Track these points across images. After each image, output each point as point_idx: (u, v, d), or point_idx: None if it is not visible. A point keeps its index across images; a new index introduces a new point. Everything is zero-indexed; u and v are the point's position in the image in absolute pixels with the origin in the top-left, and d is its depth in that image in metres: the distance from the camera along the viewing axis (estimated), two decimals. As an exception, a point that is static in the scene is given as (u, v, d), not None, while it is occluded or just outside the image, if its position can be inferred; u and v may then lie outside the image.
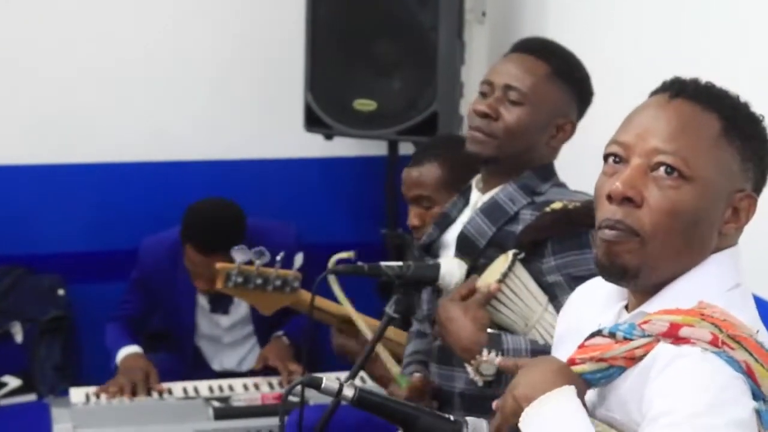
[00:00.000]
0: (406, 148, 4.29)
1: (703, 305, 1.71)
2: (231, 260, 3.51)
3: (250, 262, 3.12)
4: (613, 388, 1.76)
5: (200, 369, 4.14)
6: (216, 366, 4.23)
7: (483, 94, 2.66)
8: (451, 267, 2.54)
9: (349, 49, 4.20)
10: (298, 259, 3.19)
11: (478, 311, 2.44)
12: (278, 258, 3.14)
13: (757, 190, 1.81)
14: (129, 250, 4.49)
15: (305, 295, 3.26)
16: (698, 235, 1.75)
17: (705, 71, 2.76)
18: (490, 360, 2.38)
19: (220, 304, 4.12)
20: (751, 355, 1.66)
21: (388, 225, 4.33)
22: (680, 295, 1.76)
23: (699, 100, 1.77)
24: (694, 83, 1.81)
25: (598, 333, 1.76)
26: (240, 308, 4.11)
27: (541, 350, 2.40)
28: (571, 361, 1.77)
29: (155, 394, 3.67)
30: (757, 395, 1.65)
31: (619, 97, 3.40)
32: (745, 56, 2.89)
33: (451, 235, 2.71)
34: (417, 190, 3.06)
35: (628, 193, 1.72)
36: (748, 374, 1.65)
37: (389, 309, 2.54)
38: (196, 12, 4.63)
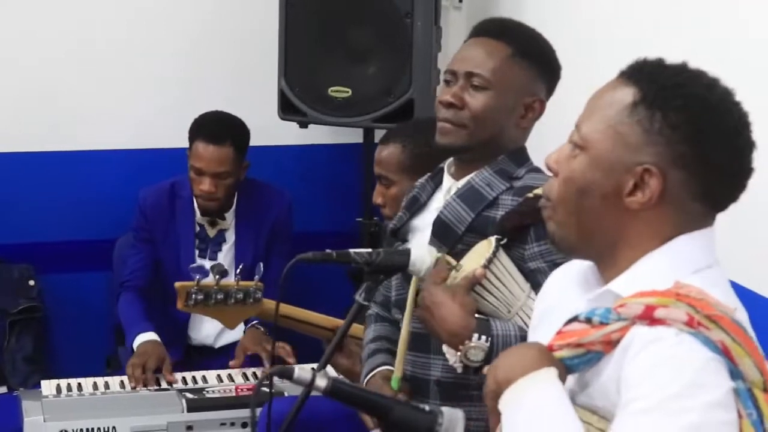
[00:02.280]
0: (381, 136, 4.25)
1: (679, 285, 1.69)
2: (239, 159, 3.90)
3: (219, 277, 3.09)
4: (593, 375, 1.74)
5: (177, 339, 4.10)
6: (193, 334, 4.19)
7: (447, 83, 2.64)
8: (421, 253, 2.51)
9: (324, 36, 4.16)
10: (259, 269, 3.16)
11: (466, 296, 2.40)
12: (237, 271, 3.12)
13: (676, 170, 1.74)
14: (103, 240, 4.47)
15: (269, 304, 3.24)
16: (595, 208, 1.78)
17: (679, 48, 2.73)
18: (480, 345, 2.34)
19: (208, 243, 4.12)
20: (728, 334, 1.65)
21: (364, 213, 4.29)
22: (647, 273, 1.75)
23: (628, 76, 1.80)
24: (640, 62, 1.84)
25: (574, 319, 1.75)
26: (227, 257, 4.10)
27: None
28: (549, 348, 1.76)
29: (128, 386, 3.62)
30: (735, 374, 1.64)
31: (597, 79, 3.39)
32: (718, 30, 2.86)
33: (422, 220, 2.69)
34: (378, 169, 3.17)
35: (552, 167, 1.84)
36: (725, 354, 1.63)
37: (359, 297, 2.50)
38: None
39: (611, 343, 1.69)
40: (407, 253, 2.51)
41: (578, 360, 1.73)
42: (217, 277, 3.11)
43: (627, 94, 1.76)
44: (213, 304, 3.13)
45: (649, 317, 1.66)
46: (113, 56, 4.55)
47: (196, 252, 4.15)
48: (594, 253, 1.83)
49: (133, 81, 4.58)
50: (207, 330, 4.19)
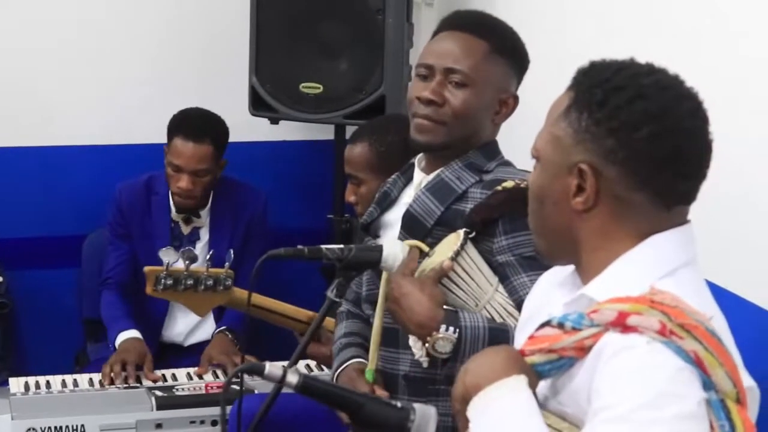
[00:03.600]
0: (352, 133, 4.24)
1: (654, 291, 1.67)
2: (217, 157, 3.91)
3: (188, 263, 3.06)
4: (565, 381, 1.73)
5: (152, 336, 4.06)
6: (166, 331, 4.17)
7: (422, 77, 2.60)
8: (393, 249, 2.50)
9: (295, 32, 4.14)
10: (229, 255, 3.13)
11: (434, 288, 2.39)
12: (207, 257, 3.10)
13: (612, 165, 1.74)
14: (72, 236, 4.44)
15: (239, 293, 3.22)
16: (552, 211, 1.81)
17: (645, 46, 2.74)
18: (448, 336, 2.32)
19: (182, 240, 4.10)
20: (701, 344, 1.62)
21: (336, 209, 4.28)
22: (621, 277, 1.74)
23: (577, 85, 1.82)
24: (590, 67, 1.84)
25: (547, 323, 1.73)
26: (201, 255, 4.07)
27: (499, 328, 2.35)
28: (521, 353, 1.74)
29: (96, 384, 3.59)
30: (707, 385, 1.62)
31: (567, 74, 3.39)
32: (691, 24, 2.86)
33: (393, 215, 2.68)
34: (348, 168, 3.17)
35: None
36: (698, 364, 1.61)
37: (331, 293, 2.48)
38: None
39: (584, 349, 1.68)
40: (379, 249, 2.50)
41: (550, 366, 1.71)
42: (187, 262, 3.08)
43: (565, 99, 1.79)
44: (182, 290, 3.10)
45: (621, 324, 1.64)
46: (85, 53, 4.52)
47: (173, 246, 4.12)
48: (567, 259, 1.84)
49: (104, 77, 4.55)
50: (179, 328, 4.18)
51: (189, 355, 4.08)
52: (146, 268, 3.12)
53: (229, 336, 3.92)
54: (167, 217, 4.12)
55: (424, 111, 2.58)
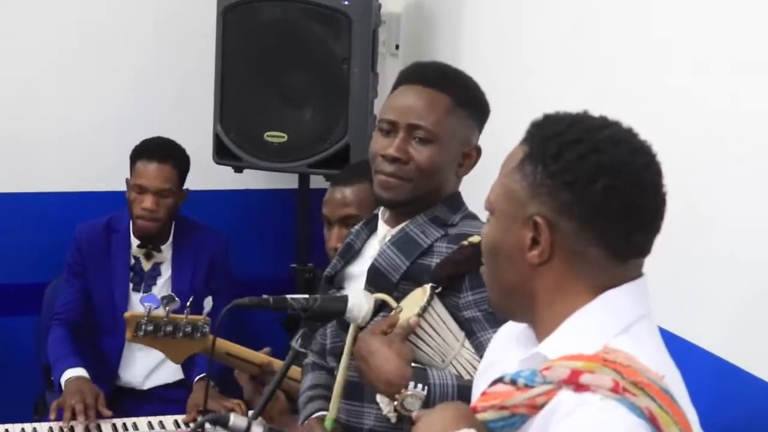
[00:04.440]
0: (317, 182, 4.25)
1: (608, 350, 1.66)
2: (179, 181, 3.98)
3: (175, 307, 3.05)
4: None
5: (106, 378, 4.03)
6: (123, 373, 4.14)
7: (385, 133, 2.59)
8: (358, 300, 2.48)
9: (260, 81, 4.15)
10: (207, 303, 3.11)
11: (401, 345, 2.38)
12: (188, 304, 3.08)
13: (567, 218, 1.73)
14: (33, 284, 4.42)
15: (217, 342, 3.19)
16: (508, 268, 1.79)
17: (611, 97, 2.76)
18: (417, 394, 2.31)
19: (143, 277, 4.10)
20: (654, 401, 1.62)
21: (299, 259, 4.27)
22: (574, 334, 1.72)
23: (530, 138, 1.82)
24: (544, 120, 1.84)
25: (500, 380, 1.72)
26: (162, 292, 4.05)
27: (466, 386, 2.34)
28: (473, 409, 1.72)
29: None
30: None
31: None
32: (645, 82, 2.89)
33: (357, 268, 2.66)
34: (346, 210, 3.08)
35: None
36: (652, 421, 1.61)
37: (295, 344, 2.47)
38: (105, 42, 4.56)
39: (536, 407, 1.66)
40: (344, 299, 2.49)
41: (502, 422, 1.69)
42: (167, 308, 3.06)
43: (519, 153, 1.78)
44: (161, 336, 3.08)
45: (574, 382, 1.63)
46: (46, 100, 4.51)
47: (131, 285, 4.12)
48: (521, 314, 1.82)
49: (68, 124, 4.54)
50: (138, 369, 4.14)
51: (148, 400, 4.05)
52: (127, 314, 3.11)
53: (211, 383, 3.90)
54: (127, 254, 4.12)
55: (389, 168, 2.56)
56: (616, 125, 1.78)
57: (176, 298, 3.06)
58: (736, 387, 2.52)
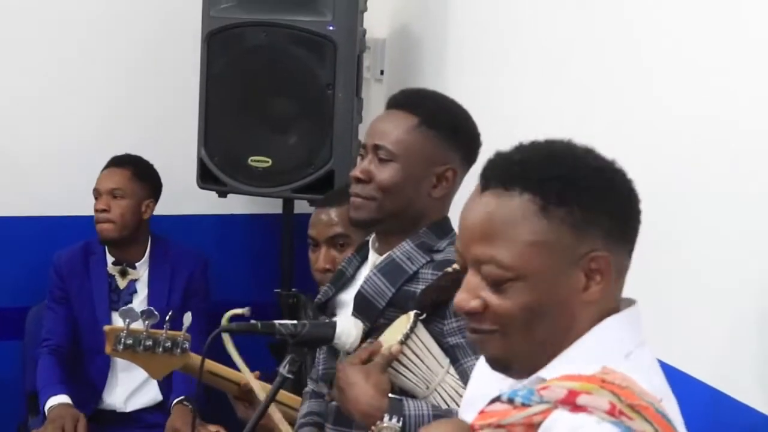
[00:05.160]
0: (301, 207, 4.24)
1: (606, 371, 1.66)
2: (136, 184, 4.09)
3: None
4: None
5: (91, 401, 4.06)
6: (106, 395, 4.14)
7: (361, 157, 2.65)
8: (347, 326, 2.48)
9: (245, 105, 4.14)
10: (187, 318, 3.10)
11: (380, 375, 2.38)
12: (167, 318, 3.06)
13: (612, 241, 1.71)
14: (15, 308, 4.41)
15: (196, 359, 3.18)
16: (552, 318, 1.71)
17: (595, 121, 2.77)
18: (392, 426, 2.31)
19: (120, 294, 4.14)
20: (651, 424, 1.61)
21: (283, 284, 4.26)
22: (576, 360, 1.71)
23: (505, 186, 1.70)
24: (498, 164, 1.75)
25: (497, 399, 1.71)
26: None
27: (443, 415, 2.34)
28: (472, 428, 1.72)
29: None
30: None
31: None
32: (629, 108, 2.90)
33: (348, 295, 2.66)
34: (334, 229, 3.09)
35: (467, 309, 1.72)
36: None
37: (283, 369, 2.46)
38: (88, 65, 4.55)
39: (533, 426, 1.65)
40: (333, 325, 2.48)
41: None
42: (147, 322, 3.05)
43: (524, 204, 1.69)
44: (142, 351, 3.06)
45: (571, 403, 1.62)
46: (27, 124, 4.49)
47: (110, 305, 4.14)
48: (541, 359, 1.75)
49: (49, 148, 4.52)
50: (120, 391, 4.14)
51: (129, 423, 4.05)
52: (106, 327, 3.09)
53: (189, 407, 3.90)
54: (104, 273, 4.17)
55: (355, 189, 2.61)
56: (582, 147, 1.79)
57: (155, 313, 3.05)
58: (729, 417, 2.53)
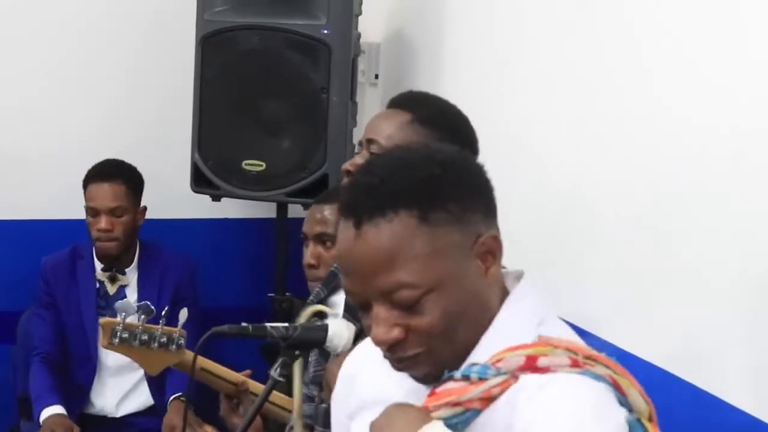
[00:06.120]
0: (295, 211, 4.23)
1: (544, 338, 1.68)
2: (132, 197, 4.05)
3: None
4: None
5: (78, 405, 4.07)
6: (95, 400, 4.14)
7: (356, 153, 2.66)
8: (339, 329, 2.46)
9: (239, 109, 4.13)
10: (183, 315, 3.08)
11: None
12: (163, 313, 3.04)
13: (489, 219, 1.73)
14: (7, 312, 4.40)
15: (190, 356, 3.17)
16: (471, 310, 1.70)
17: (594, 127, 2.76)
18: None
19: (109, 301, 4.11)
20: (609, 368, 1.65)
21: (277, 288, 4.25)
22: (499, 336, 1.71)
23: (379, 212, 1.67)
24: (361, 195, 1.71)
25: (450, 378, 1.69)
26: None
27: None
28: (426, 409, 1.69)
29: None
30: (624, 405, 1.64)
31: (514, 162, 3.41)
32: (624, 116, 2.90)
33: (340, 296, 2.66)
34: (321, 227, 3.09)
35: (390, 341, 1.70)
36: (614, 386, 1.64)
37: (274, 372, 2.44)
38: (81, 68, 4.54)
39: (490, 399, 1.65)
40: (324, 328, 2.47)
41: (456, 419, 1.66)
42: (143, 317, 3.03)
43: (405, 221, 1.67)
44: (137, 345, 3.04)
45: (532, 367, 1.64)
46: (20, 127, 4.48)
47: (98, 310, 4.13)
48: (468, 352, 1.73)
49: (41, 151, 4.51)
50: (109, 397, 4.14)
51: (121, 429, 4.06)
52: (102, 320, 3.07)
53: (184, 403, 3.89)
54: (92, 278, 4.16)
55: (344, 181, 2.61)
56: (421, 145, 1.87)
57: (152, 307, 3.03)
58: (718, 419, 2.52)
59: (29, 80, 4.48)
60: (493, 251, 1.72)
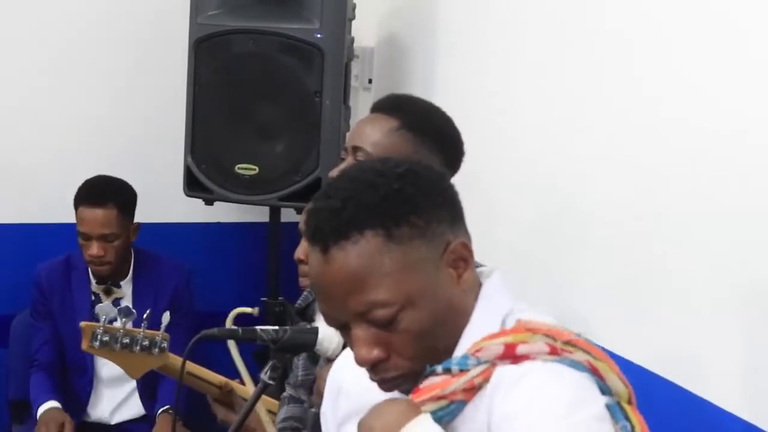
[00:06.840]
0: (288, 215, 4.22)
1: (523, 322, 1.69)
2: (124, 219, 3.97)
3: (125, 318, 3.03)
4: (457, 426, 1.69)
5: (77, 413, 4.08)
6: (91, 409, 4.15)
7: (342, 160, 2.64)
8: (329, 332, 2.46)
9: (232, 113, 4.13)
10: (165, 317, 3.08)
11: None
12: (144, 316, 3.04)
13: (456, 225, 1.73)
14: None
15: (175, 359, 3.16)
16: (448, 319, 1.71)
17: (586, 132, 2.76)
18: None
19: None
20: (589, 354, 1.66)
21: (269, 293, 4.24)
22: (474, 334, 1.72)
23: (344, 236, 1.67)
24: (324, 220, 1.70)
25: (431, 373, 1.69)
26: None
27: None
28: (414, 402, 1.70)
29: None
30: (604, 390, 1.65)
31: (507, 165, 3.42)
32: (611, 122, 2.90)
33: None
34: None
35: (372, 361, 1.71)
36: (593, 371, 1.65)
37: (264, 375, 2.44)
38: (75, 71, 4.54)
39: (473, 389, 1.66)
40: (315, 331, 2.47)
41: (442, 413, 1.67)
42: (124, 320, 3.03)
43: (371, 241, 1.67)
44: (119, 349, 3.04)
45: (511, 355, 1.64)
46: (14, 130, 4.48)
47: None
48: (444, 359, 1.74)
49: (34, 155, 4.51)
50: (104, 404, 4.15)
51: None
52: (83, 324, 3.07)
53: (172, 416, 3.89)
54: (87, 290, 4.14)
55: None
56: (377, 160, 1.85)
57: (133, 311, 3.03)
58: (709, 422, 2.52)
59: (22, 83, 4.48)
60: (464, 257, 1.73)
